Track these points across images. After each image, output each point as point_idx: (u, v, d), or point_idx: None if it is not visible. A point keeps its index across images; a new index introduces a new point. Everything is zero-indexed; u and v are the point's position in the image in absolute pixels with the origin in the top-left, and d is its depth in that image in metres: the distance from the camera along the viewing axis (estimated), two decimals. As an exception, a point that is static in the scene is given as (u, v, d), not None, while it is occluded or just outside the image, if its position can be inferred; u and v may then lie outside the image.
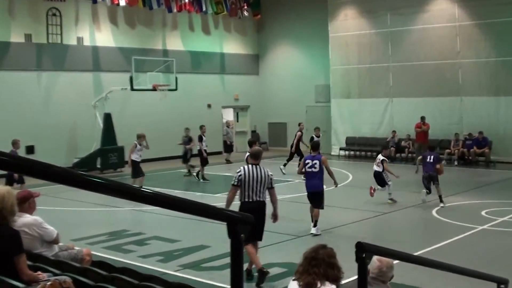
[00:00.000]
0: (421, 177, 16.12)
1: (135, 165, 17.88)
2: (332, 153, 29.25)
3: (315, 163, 12.58)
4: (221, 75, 32.01)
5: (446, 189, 17.98)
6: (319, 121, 30.95)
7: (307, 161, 12.73)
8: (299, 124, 23.87)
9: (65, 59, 25.52)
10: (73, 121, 25.60)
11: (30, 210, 6.37)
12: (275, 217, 9.84)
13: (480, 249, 11.30)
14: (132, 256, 11.14)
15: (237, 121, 33.28)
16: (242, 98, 32.96)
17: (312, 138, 22.03)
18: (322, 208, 12.61)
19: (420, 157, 16.89)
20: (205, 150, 21.12)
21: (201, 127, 22.04)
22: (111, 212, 15.59)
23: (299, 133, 22.95)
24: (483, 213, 14.52)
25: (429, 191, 15.86)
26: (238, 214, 2.80)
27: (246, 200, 9.40)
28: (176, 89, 25.72)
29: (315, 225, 12.55)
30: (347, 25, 28.98)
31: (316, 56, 31.10)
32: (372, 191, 16.37)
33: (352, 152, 28.67)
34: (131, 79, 24.28)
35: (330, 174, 12.71)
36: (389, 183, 16.37)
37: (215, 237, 11.81)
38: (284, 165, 22.74)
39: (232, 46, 32.59)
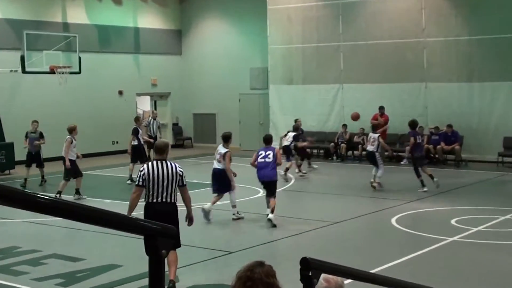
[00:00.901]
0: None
1: (74, 164, 18.54)
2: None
3: (269, 154, 15.17)
4: (136, 55, 31.72)
5: (409, 194, 18.44)
6: (254, 112, 31.15)
7: (260, 153, 15.30)
8: (296, 121, 23.87)
9: None
10: None
11: None
12: (190, 219, 10.27)
13: (450, 265, 11.60)
14: (25, 279, 10.91)
15: (156, 111, 33.03)
16: (162, 84, 32.76)
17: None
18: (275, 196, 15.16)
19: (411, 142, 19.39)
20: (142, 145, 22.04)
21: (137, 118, 23.33)
22: (-3, 225, 15.21)
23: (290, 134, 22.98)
24: (453, 221, 14.89)
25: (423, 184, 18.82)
26: (157, 225, 2.78)
27: (151, 200, 9.88)
28: (79, 72, 25.36)
29: (272, 212, 14.80)
30: (289, -5, 29.23)
31: (251, 33, 31.23)
32: (375, 184, 19.16)
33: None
34: (22, 59, 23.78)
35: (279, 163, 15.39)
36: (381, 165, 19.21)
37: (128, 253, 11.70)
38: (309, 164, 23.83)
39: (149, 19, 32.35)
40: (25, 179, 20.62)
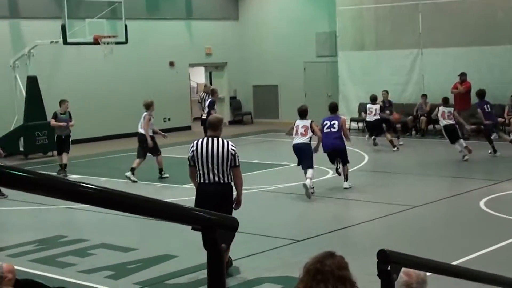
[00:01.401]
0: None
1: (153, 141, 19.04)
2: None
3: (334, 123, 16.63)
4: (188, 21, 31.84)
5: (499, 173, 18.16)
6: (321, 82, 31.01)
7: (325, 122, 16.76)
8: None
9: (-29, 2, 25.27)
10: (-15, 87, 25.41)
11: None
12: (237, 203, 10.47)
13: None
14: (72, 271, 11.13)
15: (210, 84, 33.20)
16: (217, 53, 32.83)
17: None
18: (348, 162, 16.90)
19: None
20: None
21: (213, 90, 24.08)
22: (39, 212, 15.54)
23: None
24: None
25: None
26: (217, 217, 2.78)
27: (202, 181, 10.15)
28: (126, 42, 25.54)
29: (346, 180, 16.69)
30: (359, -51, 28.92)
31: (317, -7, 31.05)
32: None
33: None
34: (63, 28, 24.08)
35: (346, 136, 16.86)
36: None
37: (184, 243, 11.81)
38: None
39: (202, -20, 32.41)
40: (63, 165, 20.43)
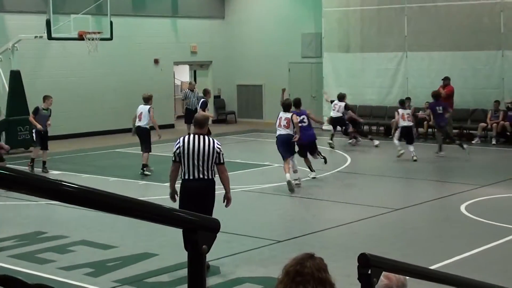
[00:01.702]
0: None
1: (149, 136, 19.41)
2: (324, 127, 29.29)
3: (303, 118, 17.90)
4: (173, 19, 31.80)
5: (481, 177, 18.24)
6: (306, 83, 31.05)
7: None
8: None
9: (-44, -5, 25.11)
10: (-33, 81, 25.27)
11: None
12: (227, 200, 10.67)
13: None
14: (51, 267, 11.10)
15: (195, 82, 33.15)
16: (202, 51, 32.80)
17: None
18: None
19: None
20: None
21: (206, 91, 23.75)
22: (19, 207, 15.49)
23: None
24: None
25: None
26: (199, 218, 2.78)
27: (186, 177, 10.34)
28: (111, 38, 25.50)
29: (312, 170, 18.15)
30: (346, -49, 28.96)
31: (303, -7, 31.08)
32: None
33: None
34: (48, 23, 24.00)
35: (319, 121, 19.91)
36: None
37: (165, 241, 11.81)
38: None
39: (189, -22, 32.37)
40: (44, 162, 20.15)
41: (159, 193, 15.87)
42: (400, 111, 22.27)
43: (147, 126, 19.26)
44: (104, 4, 25.74)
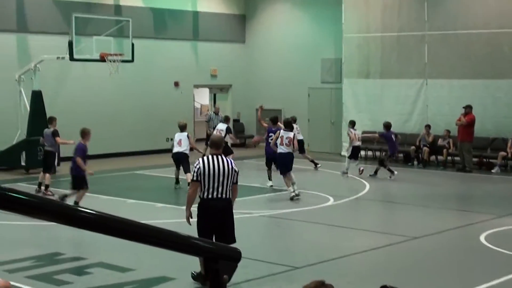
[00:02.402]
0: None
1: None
2: (343, 153, 29.22)
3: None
4: (194, 42, 31.92)
5: (501, 207, 18.10)
6: (325, 109, 31.03)
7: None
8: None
9: (-21, 15, 25.34)
10: (-11, 100, 25.44)
11: None
12: None
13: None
14: (67, 290, 11.05)
15: (214, 106, 33.23)
16: (222, 75, 32.88)
17: None
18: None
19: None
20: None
21: (227, 118, 25.19)
22: (38, 228, 15.49)
23: None
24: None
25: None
26: (220, 247, 2.75)
27: (206, 196, 10.56)
28: (132, 60, 25.62)
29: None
30: (368, -22, 29.01)
31: (323, 19, 31.11)
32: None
33: (370, 153, 28.68)
34: (70, 44, 24.15)
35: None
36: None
37: (183, 265, 11.75)
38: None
39: (210, 2, 32.52)
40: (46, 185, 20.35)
41: (176, 216, 15.84)
42: (352, 131, 24.05)
43: (187, 152, 20.35)
44: (126, 27, 25.88)
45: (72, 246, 14.10)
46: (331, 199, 18.90)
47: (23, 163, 24.25)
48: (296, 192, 18.77)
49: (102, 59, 24.63)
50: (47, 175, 20.05)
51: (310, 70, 31.40)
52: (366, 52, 29.24)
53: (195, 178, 10.62)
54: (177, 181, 20.84)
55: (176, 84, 31.09)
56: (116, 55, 24.97)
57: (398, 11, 28.33)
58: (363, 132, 25.66)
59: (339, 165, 26.58)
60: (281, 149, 19.08)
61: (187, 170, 19.84)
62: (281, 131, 19.26)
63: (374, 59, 29.06)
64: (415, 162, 26.90)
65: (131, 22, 25.78)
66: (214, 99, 33.76)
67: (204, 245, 2.80)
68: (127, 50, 25.55)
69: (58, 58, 24.75)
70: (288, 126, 19.37)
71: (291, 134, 19.03)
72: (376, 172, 23.46)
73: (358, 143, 24.18)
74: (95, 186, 21.30)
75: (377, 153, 27.48)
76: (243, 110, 33.72)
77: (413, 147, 26.83)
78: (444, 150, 26.06)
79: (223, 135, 21.45)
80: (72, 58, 24.30)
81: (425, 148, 26.44)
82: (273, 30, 32.90)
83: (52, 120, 20.92)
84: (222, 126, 23.04)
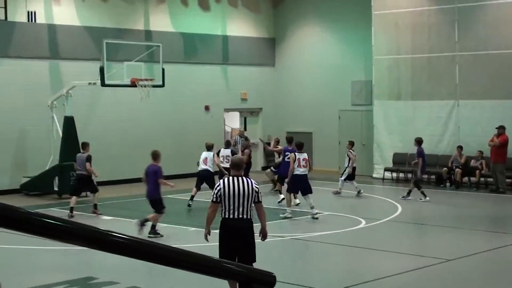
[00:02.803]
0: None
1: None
2: (375, 175, 29.15)
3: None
4: (224, 66, 32.06)
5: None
6: (356, 131, 30.94)
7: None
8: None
9: (11, 42, 25.64)
10: (22, 126, 25.68)
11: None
12: (263, 235, 11.26)
13: None
14: (100, 314, 11.10)
15: (245, 129, 33.26)
16: (252, 98, 32.96)
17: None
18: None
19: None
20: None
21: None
22: (70, 252, 15.55)
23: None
24: None
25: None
26: (255, 272, 2.74)
27: (227, 216, 10.79)
28: (163, 85, 25.73)
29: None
30: (397, -1, 29.00)
31: (353, 41, 31.11)
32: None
33: (401, 175, 28.54)
34: (101, 70, 24.33)
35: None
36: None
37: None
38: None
39: (239, 26, 32.66)
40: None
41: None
42: (352, 152, 24.55)
43: (212, 170, 21.75)
44: (156, 52, 26.03)
45: (105, 270, 14.12)
46: (363, 221, 18.83)
47: (55, 188, 24.44)
48: (314, 213, 19.46)
49: (133, 84, 24.74)
50: (96, 194, 20.68)
51: (341, 93, 31.37)
52: (396, 74, 29.16)
53: (214, 199, 10.87)
54: (192, 198, 21.81)
55: (207, 108, 31.21)
56: (146, 80, 25.08)
57: (428, 33, 28.26)
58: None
59: (370, 187, 26.50)
60: (298, 171, 19.52)
61: (212, 187, 19.99)
62: (296, 153, 19.70)
63: (404, 80, 28.97)
64: (448, 184, 26.72)
65: (162, 47, 25.90)
66: (244, 123, 33.81)
67: (239, 269, 2.79)
68: (157, 75, 25.69)
69: (89, 83, 24.94)
70: (301, 147, 19.93)
71: (305, 155, 19.75)
72: (409, 194, 23.17)
73: (355, 164, 24.60)
74: (127, 210, 21.47)
75: (409, 175, 27.30)
76: (273, 133, 33.67)
77: (445, 169, 26.65)
78: (477, 171, 25.87)
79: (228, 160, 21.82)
80: (103, 84, 24.43)
81: (457, 169, 26.25)
82: (302, 53, 32.95)
83: (85, 145, 21.29)
84: (226, 152, 23.02)
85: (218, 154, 22.85)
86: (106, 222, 18.71)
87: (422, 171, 23.48)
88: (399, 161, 28.75)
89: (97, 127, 26.95)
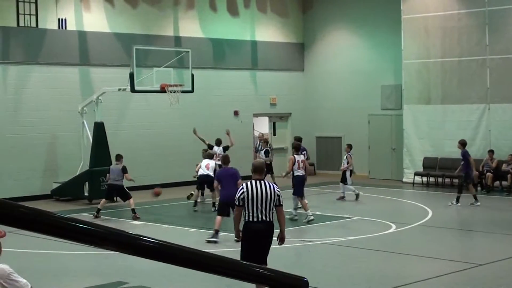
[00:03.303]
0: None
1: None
2: (404, 180, 29.01)
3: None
4: (253, 71, 32.09)
5: None
6: (386, 135, 30.85)
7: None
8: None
9: (41, 49, 25.85)
10: (52, 133, 25.88)
11: (-5, 255, 6.39)
12: (281, 239, 11.59)
13: None
14: (131, 319, 11.13)
15: (274, 135, 33.27)
16: (282, 103, 32.96)
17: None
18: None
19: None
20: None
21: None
22: (101, 257, 15.63)
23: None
24: None
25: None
26: (287, 277, 2.73)
27: (251, 220, 11.17)
28: (192, 91, 25.78)
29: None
30: (427, 3, 28.84)
31: (383, 46, 31.01)
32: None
33: (432, 179, 28.39)
34: (131, 76, 24.43)
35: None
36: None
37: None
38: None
39: (268, 31, 32.68)
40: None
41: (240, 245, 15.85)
42: (351, 155, 24.58)
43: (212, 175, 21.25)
44: (185, 57, 26.10)
45: (136, 275, 14.17)
46: (393, 226, 18.74)
47: (86, 194, 24.60)
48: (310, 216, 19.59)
49: (163, 90, 24.81)
50: (130, 201, 21.03)
51: (370, 97, 31.27)
52: (426, 78, 29.03)
53: (237, 203, 11.25)
54: (196, 204, 22.76)
55: (236, 113, 31.25)
56: (176, 85, 25.15)
57: (458, 36, 28.10)
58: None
59: (400, 192, 26.41)
60: (298, 172, 20.03)
61: (212, 191, 21.60)
62: (295, 156, 20.27)
63: (434, 84, 28.83)
64: (479, 188, 26.51)
65: (191, 53, 25.96)
66: (273, 127, 33.80)
67: (271, 274, 2.77)
68: (187, 80, 25.75)
69: (119, 89, 25.08)
70: (298, 149, 20.58)
71: (303, 157, 20.55)
72: (458, 200, 22.69)
73: (352, 167, 24.63)
74: (156, 216, 21.53)
75: (455, 180, 27.03)
76: (303, 138, 33.55)
77: (476, 173, 26.44)
78: (509, 175, 25.67)
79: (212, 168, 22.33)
80: (133, 90, 24.51)
81: (488, 173, 26.06)
82: (332, 58, 32.90)
83: (119, 157, 21.73)
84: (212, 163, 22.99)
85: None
86: (135, 227, 18.79)
87: (468, 173, 23.02)
88: (429, 165, 28.61)
89: (126, 132, 27.10)
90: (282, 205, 11.30)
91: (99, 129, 25.04)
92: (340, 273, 14.19)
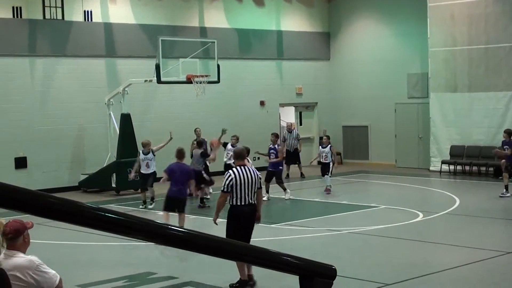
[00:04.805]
0: None
1: None
2: (431, 168, 28.89)
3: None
4: (279, 61, 32.06)
5: None
6: (412, 124, 30.71)
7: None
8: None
9: (68, 41, 25.99)
10: (79, 124, 26.04)
11: (24, 246, 6.41)
12: (257, 218, 12.23)
13: None
14: (160, 309, 11.19)
15: (300, 124, 33.21)
16: (308, 93, 32.91)
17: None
18: None
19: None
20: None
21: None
22: (129, 248, 15.74)
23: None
24: None
25: None
26: (316, 265, 2.73)
27: (239, 203, 11.84)
28: (218, 81, 25.80)
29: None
30: (453, -10, 28.67)
31: (409, 34, 30.85)
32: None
33: (459, 167, 28.24)
34: (157, 67, 24.49)
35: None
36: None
37: (273, 284, 11.74)
38: None
39: (294, 21, 32.62)
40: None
41: (269, 235, 15.86)
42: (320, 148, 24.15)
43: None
44: (211, 48, 26.10)
45: (163, 264, 14.24)
46: (421, 214, 18.67)
47: (113, 185, 24.73)
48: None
49: (189, 81, 24.84)
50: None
51: (396, 86, 31.14)
52: (453, 66, 28.84)
53: (226, 190, 11.82)
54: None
55: (262, 103, 31.25)
56: (202, 76, 25.16)
57: (484, 24, 27.88)
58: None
59: (427, 180, 26.31)
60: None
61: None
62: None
63: (461, 72, 28.63)
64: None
65: (216, 44, 25.97)
66: (300, 117, 33.75)
67: (301, 263, 2.77)
68: (213, 71, 25.78)
69: (145, 81, 25.17)
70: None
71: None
72: (507, 189, 22.19)
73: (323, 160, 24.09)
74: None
75: (482, 168, 26.87)
76: (329, 128, 33.58)
77: (503, 161, 26.23)
78: (536, 163, 25.40)
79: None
80: (159, 81, 24.58)
81: (515, 162, 25.82)
82: (357, 47, 32.79)
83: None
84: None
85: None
86: (160, 218, 18.85)
87: None
88: (456, 153, 28.46)
89: (153, 123, 27.19)
90: (261, 188, 12.12)
91: (125, 121, 25.15)
92: (367, 262, 14.16)
